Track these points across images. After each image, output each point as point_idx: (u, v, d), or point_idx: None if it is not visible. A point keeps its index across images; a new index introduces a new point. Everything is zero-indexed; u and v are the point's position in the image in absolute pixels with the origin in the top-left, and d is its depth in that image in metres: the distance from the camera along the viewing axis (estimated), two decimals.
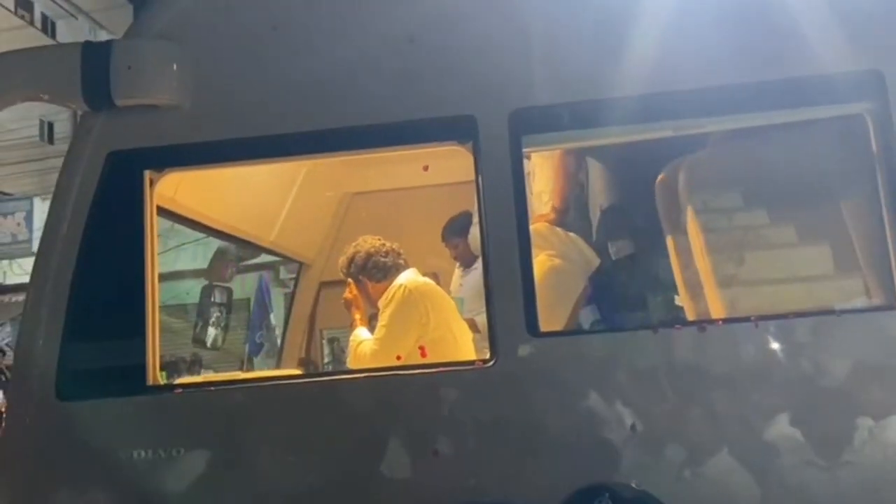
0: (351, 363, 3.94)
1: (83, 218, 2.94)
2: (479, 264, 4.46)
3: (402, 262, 4.01)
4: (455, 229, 4.67)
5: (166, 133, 2.97)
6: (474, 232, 4.21)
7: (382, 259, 3.97)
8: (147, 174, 2.98)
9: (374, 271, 3.96)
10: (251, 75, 3.01)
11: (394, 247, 4.05)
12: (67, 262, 2.92)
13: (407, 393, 2.82)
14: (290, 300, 5.48)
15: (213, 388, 3.02)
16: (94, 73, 2.90)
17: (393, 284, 3.88)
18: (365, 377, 3.10)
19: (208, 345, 4.78)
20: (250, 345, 6.82)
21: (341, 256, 4.21)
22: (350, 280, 4.10)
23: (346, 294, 4.15)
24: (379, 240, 4.08)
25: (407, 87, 2.93)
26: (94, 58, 2.91)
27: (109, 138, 2.97)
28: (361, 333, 3.93)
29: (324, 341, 5.58)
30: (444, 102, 2.90)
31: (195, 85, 2.97)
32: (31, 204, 15.17)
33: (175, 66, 2.95)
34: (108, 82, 2.90)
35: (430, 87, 2.93)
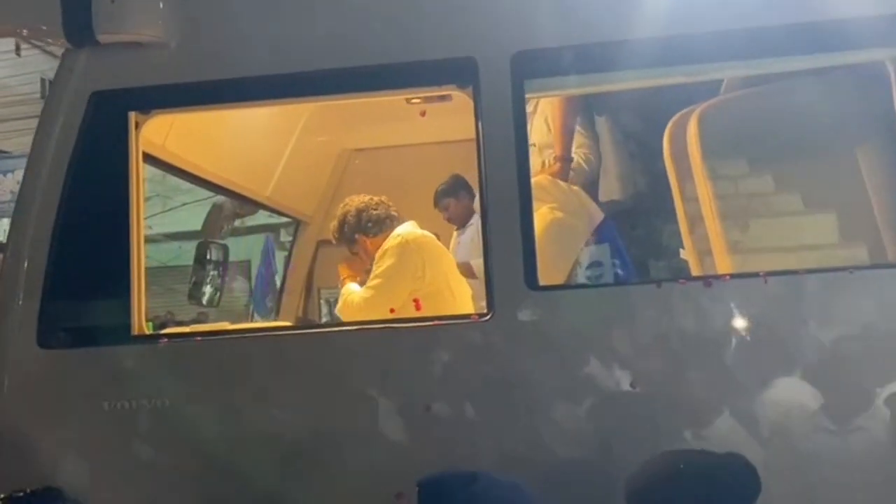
0: (342, 313, 3.83)
1: (65, 162, 2.83)
2: (473, 221, 4.41)
3: (394, 212, 3.91)
4: (445, 191, 4.63)
5: (153, 72, 2.85)
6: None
7: (374, 211, 3.87)
8: (132, 116, 2.86)
9: (369, 225, 3.85)
10: (243, 12, 2.88)
11: (382, 199, 3.94)
12: (49, 207, 2.82)
13: (401, 346, 2.72)
14: (287, 259, 5.39)
15: (199, 339, 2.93)
16: (75, 6, 2.77)
17: (390, 235, 3.77)
18: (357, 329, 3.00)
19: (203, 302, 4.70)
20: (257, 306, 6.75)
21: (332, 222, 4.09)
22: (347, 245, 3.97)
23: (342, 271, 4.00)
24: (365, 195, 3.97)
25: (404, 26, 2.80)
26: None
27: (92, 77, 2.85)
28: (353, 287, 3.82)
29: (321, 300, 5.49)
30: (442, 43, 2.77)
31: (183, 21, 2.84)
32: None
33: (161, 1, 2.82)
34: (90, 17, 2.77)
35: (428, 27, 2.79)
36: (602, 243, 3.32)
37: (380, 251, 3.73)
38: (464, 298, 3.75)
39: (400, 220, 3.92)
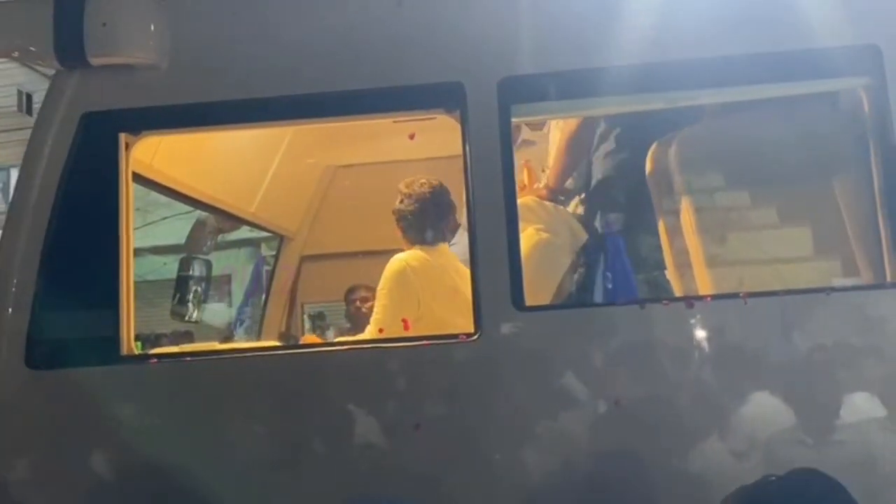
0: None
1: (55, 182, 2.84)
2: (456, 240, 4.42)
3: (433, 223, 3.62)
4: None
5: (143, 94, 2.87)
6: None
7: (410, 217, 3.64)
8: (122, 137, 2.88)
9: (401, 226, 3.69)
10: (232, 36, 2.91)
11: (429, 203, 3.59)
12: (38, 227, 2.83)
13: (389, 366, 2.76)
14: (271, 274, 5.40)
15: (189, 359, 2.94)
16: (67, 29, 2.78)
17: (393, 258, 3.72)
18: (346, 349, 3.03)
19: (186, 318, 4.69)
20: (240, 323, 6.71)
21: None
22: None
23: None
24: (428, 186, 3.68)
25: (393, 52, 2.85)
26: (68, 13, 2.79)
27: (83, 99, 2.87)
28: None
29: (305, 316, 5.49)
30: (430, 69, 2.82)
31: (174, 44, 2.86)
32: (9, 175, 14.87)
33: (152, 24, 2.84)
34: (81, 39, 2.78)
35: (416, 53, 2.84)
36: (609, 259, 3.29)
37: (385, 274, 3.63)
38: (453, 320, 3.74)
39: (443, 231, 3.66)
